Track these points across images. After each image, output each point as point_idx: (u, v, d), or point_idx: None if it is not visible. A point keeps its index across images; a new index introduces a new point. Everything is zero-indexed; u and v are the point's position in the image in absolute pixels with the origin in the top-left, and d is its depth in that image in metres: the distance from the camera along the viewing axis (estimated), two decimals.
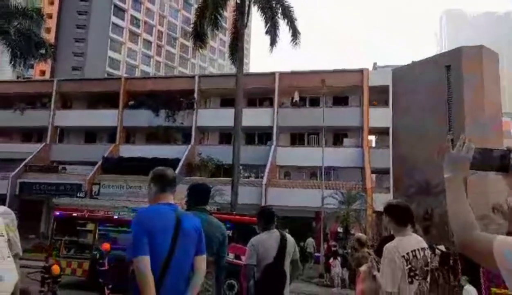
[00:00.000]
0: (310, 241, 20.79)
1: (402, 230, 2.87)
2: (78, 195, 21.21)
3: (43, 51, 21.04)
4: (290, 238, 3.85)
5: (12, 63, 20.06)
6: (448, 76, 25.19)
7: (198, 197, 3.34)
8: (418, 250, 2.80)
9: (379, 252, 3.40)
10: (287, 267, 3.70)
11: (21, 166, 26.22)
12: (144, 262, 2.11)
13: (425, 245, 2.92)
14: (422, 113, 25.09)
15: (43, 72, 53.09)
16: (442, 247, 15.45)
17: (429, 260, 2.87)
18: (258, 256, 3.62)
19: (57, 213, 12.84)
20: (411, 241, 2.83)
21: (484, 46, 25.24)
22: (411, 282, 2.71)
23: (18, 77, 43.44)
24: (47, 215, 24.13)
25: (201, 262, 2.35)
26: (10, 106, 30.37)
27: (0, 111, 30.32)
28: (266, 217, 3.84)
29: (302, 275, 15.82)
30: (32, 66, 47.01)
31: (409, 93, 25.92)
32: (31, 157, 27.20)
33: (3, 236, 1.98)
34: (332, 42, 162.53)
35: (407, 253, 2.74)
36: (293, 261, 3.83)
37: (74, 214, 12.18)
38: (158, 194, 2.38)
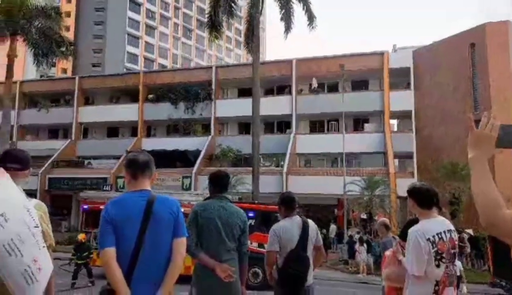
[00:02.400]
0: (333, 227, 20.74)
1: (426, 213, 2.80)
2: (104, 188, 21.78)
3: (63, 49, 21.46)
4: (312, 224, 3.83)
5: (36, 62, 20.60)
6: (472, 54, 24.22)
7: (218, 184, 3.35)
8: (444, 232, 2.72)
9: (403, 236, 3.33)
10: (310, 253, 3.68)
11: (49, 162, 27.12)
12: (108, 254, 2.10)
13: (451, 227, 2.82)
14: (446, 93, 24.30)
15: (64, 70, 54.35)
16: (471, 231, 15.10)
17: (456, 242, 2.79)
18: (281, 243, 3.62)
19: (85, 206, 13.25)
20: (437, 224, 2.76)
21: (509, 21, 24.07)
22: (437, 266, 2.65)
23: (41, 76, 44.65)
24: (76, 208, 24.98)
25: (178, 245, 2.24)
26: (36, 105, 31.39)
27: (27, 110, 31.45)
28: (287, 203, 3.83)
29: (326, 262, 15.82)
30: (54, 65, 48.13)
31: (432, 74, 25.13)
32: (58, 153, 28.10)
33: (38, 227, 2.01)
34: (349, 25, 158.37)
35: (433, 236, 2.67)
36: (316, 247, 3.81)
37: (101, 207, 12.47)
38: (131, 182, 2.32)
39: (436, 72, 24.95)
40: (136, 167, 2.32)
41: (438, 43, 26.12)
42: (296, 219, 3.76)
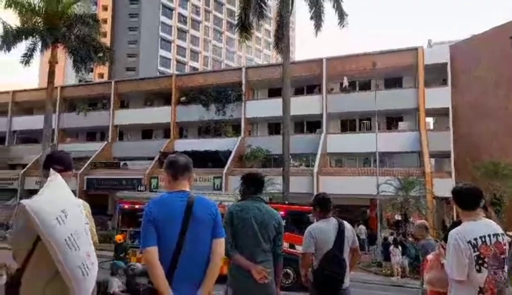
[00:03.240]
0: (362, 228, 20.38)
1: (469, 214, 2.69)
2: (139, 188, 22.45)
3: (101, 54, 22.33)
4: (348, 225, 3.77)
5: (75, 68, 21.56)
6: None
7: (253, 185, 3.34)
8: (489, 236, 2.58)
9: (447, 239, 3.22)
10: (346, 255, 3.63)
11: (87, 163, 28.31)
12: (151, 253, 2.14)
13: (499, 230, 2.67)
14: (486, 89, 23.13)
15: (101, 75, 56.64)
16: None
17: (505, 247, 2.62)
18: (316, 244, 3.59)
19: (121, 206, 13.72)
20: (480, 226, 2.63)
21: None
22: (479, 270, 2.53)
23: (80, 81, 46.72)
24: (112, 208, 25.91)
25: (217, 245, 2.28)
26: (75, 109, 32.88)
27: (66, 114, 33.01)
28: (322, 204, 3.78)
29: (359, 264, 15.52)
30: (92, 70, 50.32)
31: (470, 69, 23.99)
32: (95, 154, 29.27)
33: (88, 224, 2.16)
34: (382, 20, 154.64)
35: (475, 239, 2.56)
36: (353, 249, 3.75)
37: (137, 206, 12.89)
38: (171, 183, 2.38)
39: (475, 67, 23.81)
40: (176, 168, 2.39)
41: (477, 37, 24.92)
42: (332, 221, 3.71)
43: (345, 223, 3.78)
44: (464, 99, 23.46)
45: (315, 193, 19.88)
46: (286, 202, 14.86)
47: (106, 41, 51.03)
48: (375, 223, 19.58)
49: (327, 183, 21.34)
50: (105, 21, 53.26)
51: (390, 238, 16.81)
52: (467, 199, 2.72)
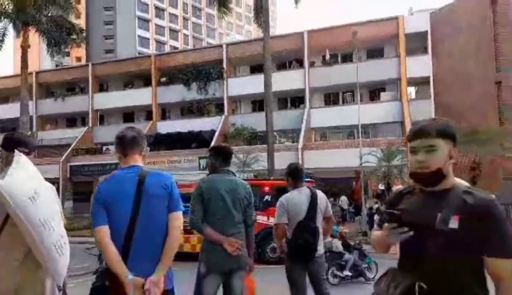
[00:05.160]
0: (344, 199, 20.81)
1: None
2: None
3: (74, 36, 21.61)
4: (321, 194, 3.75)
5: (49, 52, 20.83)
6: (494, 12, 22.93)
7: (221, 158, 3.28)
8: None
9: None
10: (319, 224, 3.62)
11: (69, 150, 27.78)
12: (101, 233, 2.08)
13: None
14: (466, 57, 23.24)
15: (79, 59, 54.91)
16: (493, 196, 14.72)
17: None
18: (289, 214, 3.57)
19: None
20: None
21: None
22: None
23: (57, 65, 45.28)
24: None
25: (174, 220, 2.19)
26: (53, 95, 31.95)
27: (44, 100, 32.07)
28: (294, 174, 3.75)
29: (346, 234, 15.79)
30: (68, 54, 48.72)
31: (451, 37, 24.00)
32: (76, 141, 28.71)
33: (58, 204, 2.17)
34: None
35: None
36: (326, 218, 3.75)
37: None
38: (121, 159, 2.29)
39: (455, 35, 23.81)
40: (124, 143, 2.28)
41: (457, 3, 24.81)
42: (304, 190, 3.68)
43: (318, 192, 3.76)
44: (444, 67, 23.56)
45: None
46: (271, 178, 14.89)
47: (81, 22, 49.26)
48: (360, 194, 19.90)
49: (312, 157, 21.47)
50: (78, 1, 51.15)
51: (375, 207, 17.13)
52: None
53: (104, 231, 2.09)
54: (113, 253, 2.06)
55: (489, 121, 20.72)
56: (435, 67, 23.08)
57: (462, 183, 2.63)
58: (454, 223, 1.49)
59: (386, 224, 1.60)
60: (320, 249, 3.59)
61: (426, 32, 23.27)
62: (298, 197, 3.62)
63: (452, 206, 1.53)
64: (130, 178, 2.18)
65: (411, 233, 1.54)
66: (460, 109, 22.24)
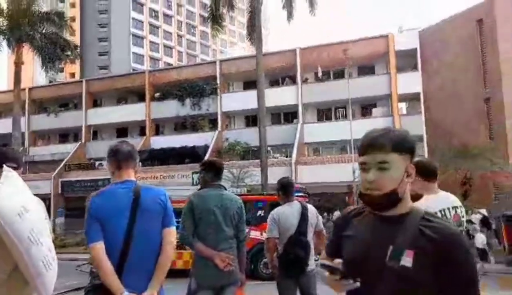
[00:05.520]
0: (338, 213, 20.80)
1: (430, 187, 2.67)
2: None
3: (69, 53, 21.72)
4: (312, 209, 3.80)
5: (44, 68, 20.87)
6: (480, 30, 23.59)
7: (213, 173, 3.28)
8: (449, 208, 2.60)
9: None
10: (310, 238, 3.65)
11: (61, 165, 27.54)
12: (97, 250, 2.06)
13: (458, 203, 2.69)
14: (455, 74, 23.76)
15: (73, 75, 54.98)
16: (484, 211, 14.85)
17: (462, 219, 2.65)
18: (280, 229, 3.60)
19: None
20: (440, 199, 2.64)
21: None
22: None
23: (50, 81, 45.24)
24: None
25: (168, 235, 2.21)
26: (46, 110, 31.86)
27: (37, 116, 31.95)
28: (285, 188, 3.79)
29: None
30: (62, 70, 48.79)
31: (439, 55, 24.58)
32: (69, 156, 28.51)
33: (47, 219, 2.15)
34: (354, 10, 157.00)
35: (435, 212, 2.56)
36: (317, 232, 3.78)
37: None
38: (115, 173, 2.26)
39: (444, 52, 24.39)
40: (119, 157, 2.27)
41: (444, 22, 25.48)
42: (295, 204, 3.73)
43: (309, 206, 3.80)
44: (434, 84, 24.04)
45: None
46: (265, 193, 14.90)
47: (75, 39, 49.55)
48: None
49: (305, 172, 21.54)
50: (73, 19, 51.55)
51: None
52: (429, 169, 2.70)
53: (99, 247, 2.07)
54: (108, 268, 2.04)
55: (479, 137, 21.06)
56: (425, 83, 23.53)
57: (422, 206, 2.63)
58: (407, 260, 1.20)
59: (327, 274, 1.29)
60: (311, 264, 3.61)
61: (415, 49, 23.80)
62: (289, 211, 3.66)
63: (406, 236, 1.23)
64: (124, 193, 2.16)
65: (358, 284, 1.24)
66: (451, 125, 22.61)
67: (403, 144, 1.29)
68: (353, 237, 1.34)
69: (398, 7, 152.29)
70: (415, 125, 22.62)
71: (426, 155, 21.34)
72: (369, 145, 1.30)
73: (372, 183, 1.28)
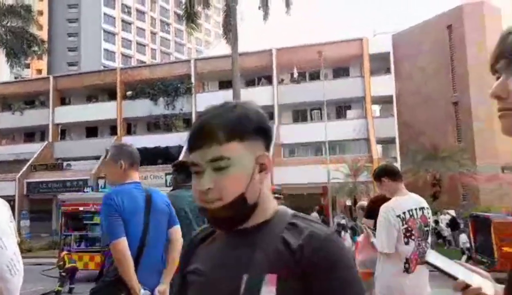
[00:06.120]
0: (315, 215, 20.91)
1: (399, 188, 2.79)
2: (85, 190, 21.22)
3: (35, 48, 20.89)
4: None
5: (9, 63, 20.00)
6: (450, 36, 24.43)
7: (184, 174, 3.21)
8: (416, 209, 2.70)
9: (369, 216, 3.45)
10: None
11: (26, 166, 26.31)
12: (123, 244, 2.14)
13: (425, 204, 2.80)
14: (426, 77, 24.49)
15: (39, 71, 52.72)
16: (452, 212, 15.33)
17: (429, 220, 2.76)
18: None
19: (64, 209, 12.83)
20: (408, 200, 2.75)
21: (485, 2, 24.34)
22: (407, 243, 2.62)
23: (16, 77, 43.23)
24: (57, 212, 24.33)
25: (176, 233, 2.41)
26: (10, 108, 30.32)
27: (0, 113, 30.35)
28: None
29: None
30: (28, 66, 46.74)
31: (411, 58, 25.26)
32: (35, 156, 27.28)
33: (13, 222, 2.12)
34: (331, 11, 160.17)
35: (403, 213, 2.65)
36: None
37: (81, 208, 12.13)
38: (128, 171, 2.33)
39: (416, 56, 25.09)
40: (134, 158, 2.37)
41: (416, 27, 26.22)
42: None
43: (280, 206, 3.68)
44: (406, 87, 24.67)
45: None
46: None
47: (43, 34, 47.57)
48: (328, 210, 20.11)
49: (280, 173, 21.49)
50: (41, 12, 49.46)
51: (342, 222, 17.32)
52: (396, 173, 2.87)
53: (125, 242, 2.14)
54: (131, 264, 2.12)
55: (449, 140, 21.76)
56: (397, 86, 24.10)
57: (390, 207, 2.68)
58: (268, 290, 0.76)
59: None
60: None
61: (388, 53, 24.32)
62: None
63: (267, 254, 0.79)
64: (139, 193, 2.30)
65: None
66: (422, 127, 23.26)
67: (245, 126, 0.85)
68: (197, 273, 0.88)
69: (373, 10, 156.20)
70: (388, 128, 23.15)
71: (398, 157, 21.85)
72: (195, 137, 0.86)
73: (208, 192, 0.82)
